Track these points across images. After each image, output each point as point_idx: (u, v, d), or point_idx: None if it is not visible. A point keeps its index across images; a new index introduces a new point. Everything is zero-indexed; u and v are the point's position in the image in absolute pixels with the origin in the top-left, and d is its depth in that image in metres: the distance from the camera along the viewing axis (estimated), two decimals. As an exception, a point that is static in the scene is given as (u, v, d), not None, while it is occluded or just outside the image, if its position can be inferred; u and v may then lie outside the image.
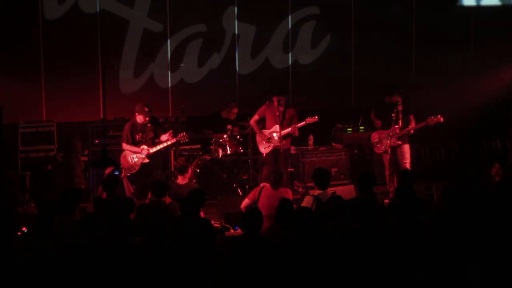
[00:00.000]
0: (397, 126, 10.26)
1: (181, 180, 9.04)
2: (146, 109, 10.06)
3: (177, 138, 10.12)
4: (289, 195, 8.56)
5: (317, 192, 8.16)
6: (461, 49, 12.93)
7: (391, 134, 10.19)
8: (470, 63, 12.87)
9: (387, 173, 10.33)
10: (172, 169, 10.86)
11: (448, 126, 10.51)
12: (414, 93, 12.09)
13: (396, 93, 10.34)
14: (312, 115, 10.56)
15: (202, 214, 7.71)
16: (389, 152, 10.24)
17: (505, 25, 12.75)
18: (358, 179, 8.12)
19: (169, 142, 10.14)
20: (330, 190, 8.26)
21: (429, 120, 10.23)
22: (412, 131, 10.32)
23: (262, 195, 8.50)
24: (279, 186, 8.56)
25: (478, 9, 12.92)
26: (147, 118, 10.09)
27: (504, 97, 12.63)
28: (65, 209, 7.31)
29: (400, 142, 10.36)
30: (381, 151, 10.49)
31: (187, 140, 10.22)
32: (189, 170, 9.26)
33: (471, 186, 7.87)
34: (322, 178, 8.25)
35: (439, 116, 10.18)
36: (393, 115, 10.26)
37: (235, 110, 11.31)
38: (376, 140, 10.53)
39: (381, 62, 12.73)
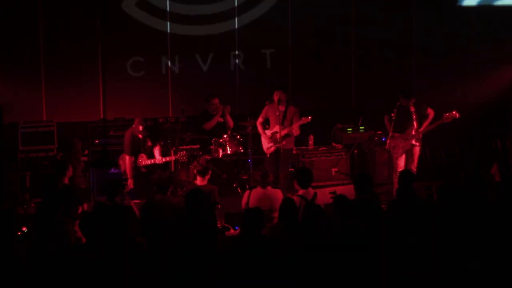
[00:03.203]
0: (413, 127, 10.26)
1: (200, 181, 8.99)
2: (141, 128, 10.17)
3: (176, 157, 10.29)
4: (279, 194, 8.64)
5: (300, 191, 8.29)
6: (461, 49, 12.92)
7: (406, 137, 10.21)
8: (470, 63, 12.86)
9: (395, 174, 10.31)
10: (172, 169, 10.88)
11: (448, 126, 10.52)
12: (414, 93, 12.07)
13: (412, 96, 10.35)
14: (312, 114, 10.57)
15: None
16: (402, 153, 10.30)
17: (505, 26, 12.75)
18: (353, 181, 8.18)
19: (167, 159, 10.32)
20: (312, 190, 8.41)
21: (444, 117, 10.20)
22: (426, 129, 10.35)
23: (251, 197, 8.61)
24: (267, 184, 8.72)
25: (478, 9, 12.90)
26: (140, 136, 10.23)
27: (504, 97, 12.63)
28: (66, 210, 7.33)
29: (418, 144, 10.34)
30: (398, 155, 10.43)
31: (185, 160, 10.37)
32: (210, 172, 9.16)
33: (469, 185, 7.85)
34: (304, 177, 8.39)
35: (454, 112, 10.15)
36: (392, 115, 10.26)
37: (215, 101, 11.17)
38: (392, 145, 10.46)
39: (381, 62, 12.72)
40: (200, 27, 12.26)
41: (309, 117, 10.50)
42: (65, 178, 8.84)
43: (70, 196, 8.35)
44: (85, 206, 8.69)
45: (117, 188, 8.18)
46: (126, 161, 10.23)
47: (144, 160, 10.23)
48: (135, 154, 10.25)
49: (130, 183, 10.15)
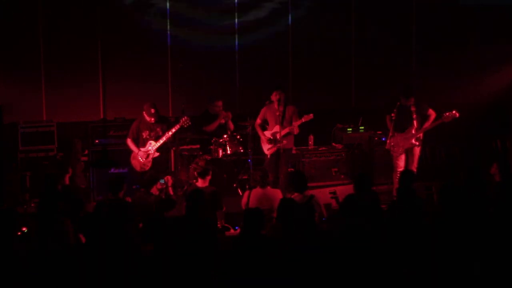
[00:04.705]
0: (413, 127, 10.26)
1: (201, 183, 8.92)
2: (153, 111, 10.19)
3: (180, 124, 10.19)
4: (279, 194, 8.65)
5: (295, 195, 8.29)
6: (461, 49, 12.92)
7: (407, 136, 10.21)
8: (470, 63, 12.86)
9: (395, 174, 10.32)
10: (172, 169, 10.87)
11: (448, 126, 10.52)
12: (414, 92, 12.07)
13: (412, 95, 10.34)
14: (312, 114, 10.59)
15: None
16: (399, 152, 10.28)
17: (504, 25, 12.75)
18: (353, 181, 8.20)
19: (173, 130, 10.21)
20: (308, 192, 8.41)
21: (444, 116, 10.19)
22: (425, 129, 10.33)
23: (251, 197, 8.63)
24: (267, 184, 8.77)
25: (478, 9, 12.90)
26: (152, 119, 10.23)
27: (504, 97, 12.63)
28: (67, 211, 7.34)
29: (418, 143, 10.34)
30: (398, 155, 10.41)
31: (189, 123, 10.30)
32: (210, 173, 9.11)
33: (468, 185, 7.85)
34: (299, 181, 8.41)
35: (454, 111, 10.16)
36: (392, 115, 10.27)
37: (219, 103, 11.16)
38: (392, 144, 10.45)
39: (381, 62, 12.73)
40: (199, 27, 12.26)
41: (311, 115, 10.49)
42: (66, 178, 8.87)
43: (75, 195, 8.42)
44: (91, 205, 8.74)
45: (121, 184, 8.22)
46: (129, 143, 10.28)
47: (153, 146, 10.20)
48: (142, 142, 10.24)
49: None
